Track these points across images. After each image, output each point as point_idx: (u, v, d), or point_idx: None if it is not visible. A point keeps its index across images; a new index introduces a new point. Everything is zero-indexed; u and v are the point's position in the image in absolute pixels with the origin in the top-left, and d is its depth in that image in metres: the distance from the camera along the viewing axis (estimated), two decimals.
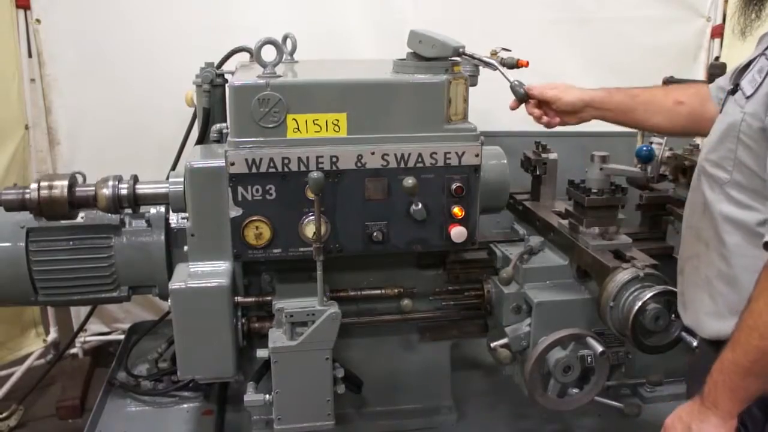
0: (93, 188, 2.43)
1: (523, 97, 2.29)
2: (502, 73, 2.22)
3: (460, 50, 2.29)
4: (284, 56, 2.44)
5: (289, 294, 2.41)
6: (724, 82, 2.10)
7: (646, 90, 2.27)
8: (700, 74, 3.95)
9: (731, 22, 1.89)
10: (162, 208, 2.63)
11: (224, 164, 2.23)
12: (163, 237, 2.60)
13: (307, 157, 2.24)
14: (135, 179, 2.48)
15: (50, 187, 2.39)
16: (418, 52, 2.36)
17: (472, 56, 2.33)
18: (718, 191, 1.75)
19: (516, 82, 2.27)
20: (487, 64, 2.31)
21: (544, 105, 2.31)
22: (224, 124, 2.74)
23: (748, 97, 1.67)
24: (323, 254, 2.22)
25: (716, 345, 1.77)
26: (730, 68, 2.10)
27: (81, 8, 3.49)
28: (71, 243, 2.57)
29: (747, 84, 1.69)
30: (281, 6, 3.62)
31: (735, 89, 1.74)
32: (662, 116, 2.22)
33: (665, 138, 2.90)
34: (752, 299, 1.60)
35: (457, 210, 2.35)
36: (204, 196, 2.31)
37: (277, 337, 2.32)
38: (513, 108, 2.36)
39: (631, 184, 2.94)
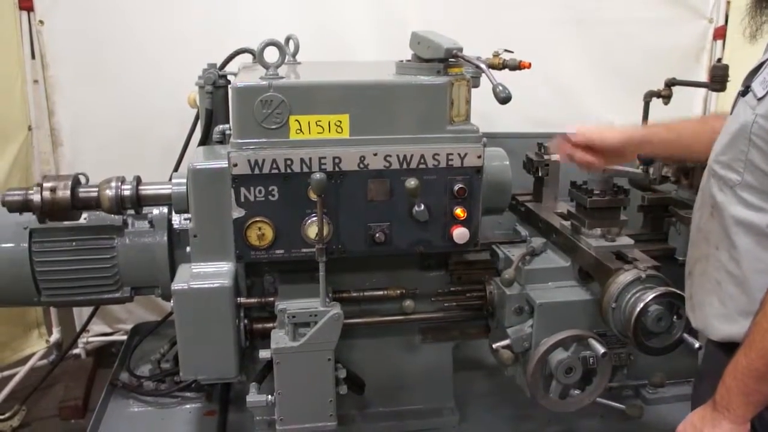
0: (96, 189, 2.44)
1: (504, 100, 2.13)
2: (488, 76, 2.15)
3: (454, 52, 2.25)
4: (287, 57, 2.44)
5: (291, 295, 2.41)
6: None
7: (684, 122, 2.23)
8: (703, 76, 3.95)
9: (741, 25, 1.87)
10: (165, 209, 2.63)
11: (227, 165, 2.23)
12: (165, 238, 2.60)
13: (310, 159, 2.25)
14: (138, 180, 2.48)
15: (53, 189, 2.39)
16: (418, 54, 2.36)
17: (462, 58, 2.27)
18: (728, 193, 1.74)
19: (499, 86, 2.12)
20: (477, 67, 2.25)
21: (584, 149, 2.26)
22: (227, 126, 2.74)
23: (759, 99, 1.66)
24: (326, 255, 2.22)
25: (725, 347, 1.77)
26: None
27: (84, 10, 3.50)
28: (74, 244, 2.58)
29: (758, 86, 1.68)
30: (283, 7, 3.62)
31: (746, 91, 1.73)
32: (702, 145, 2.11)
33: None
34: (766, 302, 1.60)
35: (459, 211, 2.36)
36: (207, 197, 2.31)
37: (280, 338, 2.32)
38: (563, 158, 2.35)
39: (633, 185, 2.94)
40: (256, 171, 2.23)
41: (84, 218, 2.56)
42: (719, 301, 1.79)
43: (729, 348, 1.74)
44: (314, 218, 2.26)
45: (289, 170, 2.25)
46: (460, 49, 2.27)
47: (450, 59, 2.29)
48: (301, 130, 2.24)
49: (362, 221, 2.34)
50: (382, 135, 2.29)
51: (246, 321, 2.50)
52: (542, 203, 2.92)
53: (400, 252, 2.42)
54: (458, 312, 2.72)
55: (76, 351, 3.97)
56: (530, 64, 2.67)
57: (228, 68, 2.95)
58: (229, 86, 2.70)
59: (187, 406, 3.10)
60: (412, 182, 2.24)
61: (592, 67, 3.87)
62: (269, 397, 2.36)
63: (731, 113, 1.82)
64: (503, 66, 2.72)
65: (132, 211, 2.51)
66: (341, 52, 3.58)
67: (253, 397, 2.37)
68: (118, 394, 3.17)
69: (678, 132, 2.21)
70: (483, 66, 2.20)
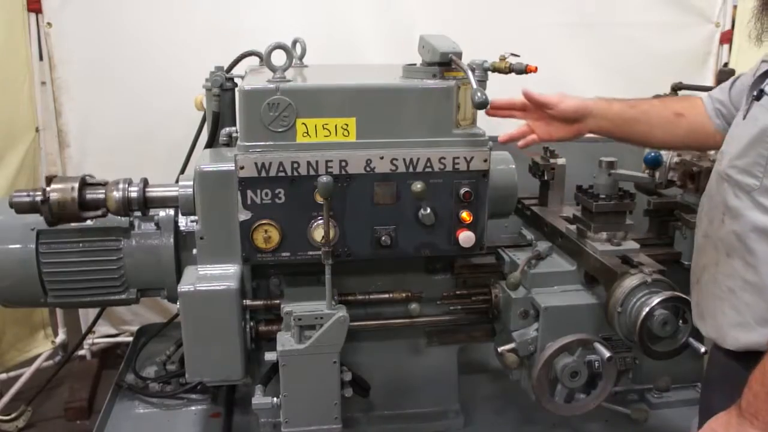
0: (103, 191, 2.45)
1: (481, 105, 2.12)
2: (471, 81, 2.14)
3: (449, 56, 2.25)
4: (294, 60, 2.45)
5: (297, 297, 2.42)
6: (721, 95, 2.09)
7: (645, 101, 2.20)
8: (709, 80, 3.94)
9: (747, 27, 1.86)
10: (171, 211, 2.63)
11: (234, 168, 2.24)
12: (172, 240, 2.60)
13: (317, 162, 2.25)
14: (145, 182, 2.49)
15: (61, 190, 2.40)
16: (423, 57, 2.37)
17: (455, 62, 2.26)
18: (745, 199, 1.71)
19: (477, 92, 2.10)
20: (466, 72, 2.21)
21: (536, 115, 2.23)
22: (233, 128, 2.75)
23: None
24: (332, 258, 2.22)
25: (739, 356, 1.75)
26: (726, 79, 2.09)
27: (92, 12, 3.52)
28: (81, 245, 2.58)
29: None
30: (291, 10, 3.63)
31: (759, 95, 1.71)
32: (662, 129, 2.17)
33: None
34: None
35: (465, 215, 2.36)
36: (213, 199, 2.32)
37: (286, 341, 2.33)
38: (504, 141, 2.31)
39: (639, 189, 2.95)
40: (263, 174, 2.24)
41: (90, 220, 2.57)
42: (733, 309, 1.76)
43: (744, 356, 1.72)
44: (320, 221, 2.26)
45: (295, 173, 2.25)
46: (459, 54, 2.27)
47: (445, 63, 2.29)
48: (307, 133, 2.25)
49: (368, 224, 2.34)
50: (389, 138, 2.29)
51: (252, 323, 2.50)
52: (548, 207, 2.92)
53: (405, 255, 2.42)
54: (464, 315, 2.72)
55: (81, 352, 3.98)
56: (537, 68, 2.67)
57: (235, 71, 2.96)
58: (236, 89, 2.70)
59: (193, 407, 3.11)
60: (418, 185, 2.24)
61: (598, 70, 3.87)
62: (275, 399, 2.37)
63: (743, 118, 1.78)
64: (509, 70, 2.71)
65: (139, 213, 2.51)
66: (348, 56, 3.58)
67: (259, 399, 2.38)
68: (124, 395, 3.17)
69: (638, 110, 2.17)
70: (469, 72, 2.19)
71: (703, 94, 2.17)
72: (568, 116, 2.19)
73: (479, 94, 2.11)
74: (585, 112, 2.18)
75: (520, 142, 2.24)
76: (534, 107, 2.24)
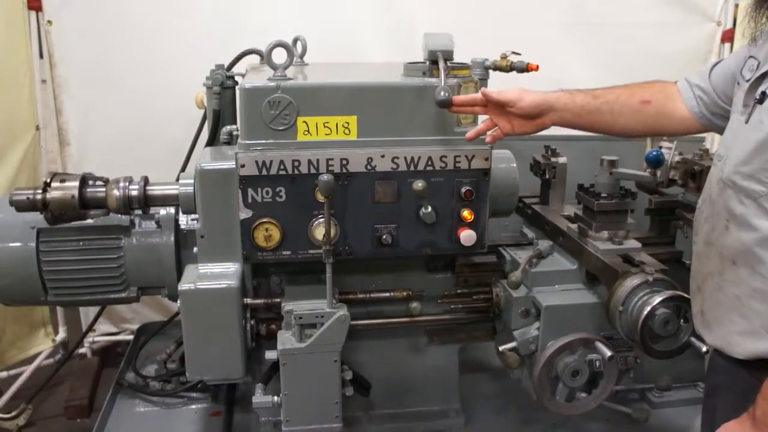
0: (103, 189, 2.44)
1: (442, 103, 2.13)
2: (441, 79, 2.15)
3: (437, 54, 2.24)
4: (294, 59, 2.45)
5: (298, 296, 2.41)
6: (701, 81, 2.06)
7: (610, 90, 2.17)
8: None
9: (741, 26, 1.85)
10: (172, 210, 2.63)
11: (234, 166, 2.24)
12: (172, 238, 2.60)
13: (317, 160, 2.25)
14: (145, 180, 2.49)
15: (61, 188, 2.40)
16: (423, 55, 2.36)
17: (438, 61, 2.24)
18: (751, 205, 1.66)
19: (442, 89, 2.12)
20: (439, 71, 2.21)
21: (498, 111, 2.19)
22: (234, 126, 2.75)
23: None
24: (332, 257, 2.22)
25: (747, 363, 1.72)
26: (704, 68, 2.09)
27: (92, 10, 3.51)
28: (81, 243, 2.58)
29: None
30: (291, 8, 3.63)
31: (762, 98, 1.67)
32: (627, 117, 2.13)
33: (675, 142, 2.89)
34: None
35: (466, 213, 2.36)
36: (214, 197, 2.31)
37: (286, 339, 2.33)
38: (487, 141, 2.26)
39: (641, 188, 2.94)
40: (264, 172, 2.24)
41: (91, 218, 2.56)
42: (742, 317, 1.72)
43: (750, 363, 1.70)
44: (321, 219, 2.26)
45: (296, 171, 2.25)
46: (449, 52, 2.26)
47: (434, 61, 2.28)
48: (308, 131, 2.25)
49: (369, 223, 2.34)
50: (390, 137, 2.29)
51: (252, 322, 2.50)
52: (549, 206, 2.92)
53: (406, 254, 2.42)
54: (464, 314, 2.71)
55: (82, 350, 3.98)
56: (538, 66, 2.67)
57: (236, 69, 2.96)
58: (237, 87, 2.70)
59: (193, 406, 3.11)
60: (419, 184, 2.24)
61: (599, 69, 3.84)
62: (275, 398, 2.37)
63: (746, 122, 1.73)
64: (511, 68, 2.72)
65: (139, 211, 2.51)
66: (349, 54, 3.57)
67: (259, 397, 2.38)
68: (124, 393, 3.18)
69: (601, 100, 2.15)
70: (442, 71, 2.19)
71: (680, 80, 2.15)
72: (529, 113, 2.16)
73: (443, 93, 2.11)
74: (546, 107, 2.15)
75: (487, 138, 2.23)
76: (494, 105, 2.21)
